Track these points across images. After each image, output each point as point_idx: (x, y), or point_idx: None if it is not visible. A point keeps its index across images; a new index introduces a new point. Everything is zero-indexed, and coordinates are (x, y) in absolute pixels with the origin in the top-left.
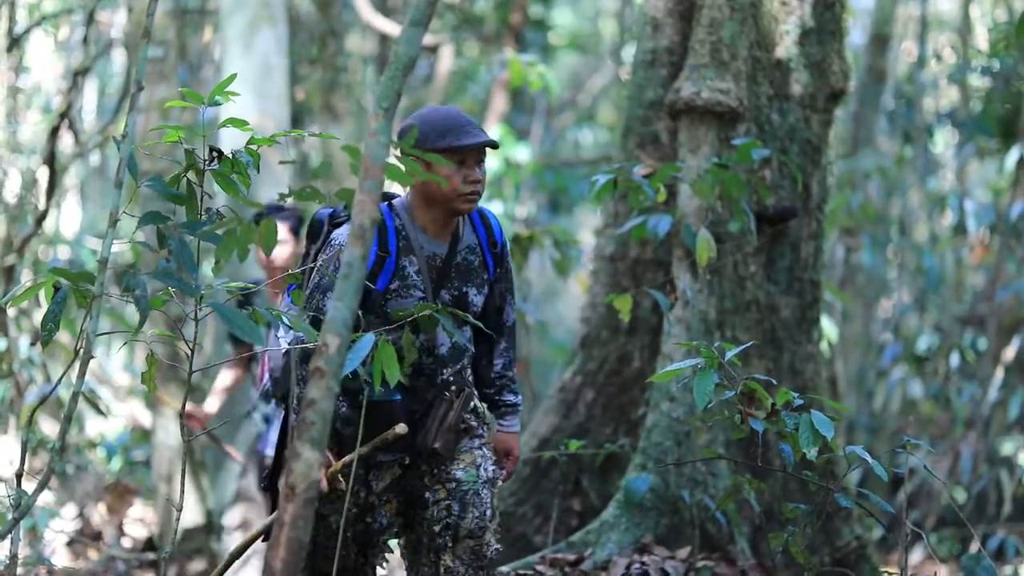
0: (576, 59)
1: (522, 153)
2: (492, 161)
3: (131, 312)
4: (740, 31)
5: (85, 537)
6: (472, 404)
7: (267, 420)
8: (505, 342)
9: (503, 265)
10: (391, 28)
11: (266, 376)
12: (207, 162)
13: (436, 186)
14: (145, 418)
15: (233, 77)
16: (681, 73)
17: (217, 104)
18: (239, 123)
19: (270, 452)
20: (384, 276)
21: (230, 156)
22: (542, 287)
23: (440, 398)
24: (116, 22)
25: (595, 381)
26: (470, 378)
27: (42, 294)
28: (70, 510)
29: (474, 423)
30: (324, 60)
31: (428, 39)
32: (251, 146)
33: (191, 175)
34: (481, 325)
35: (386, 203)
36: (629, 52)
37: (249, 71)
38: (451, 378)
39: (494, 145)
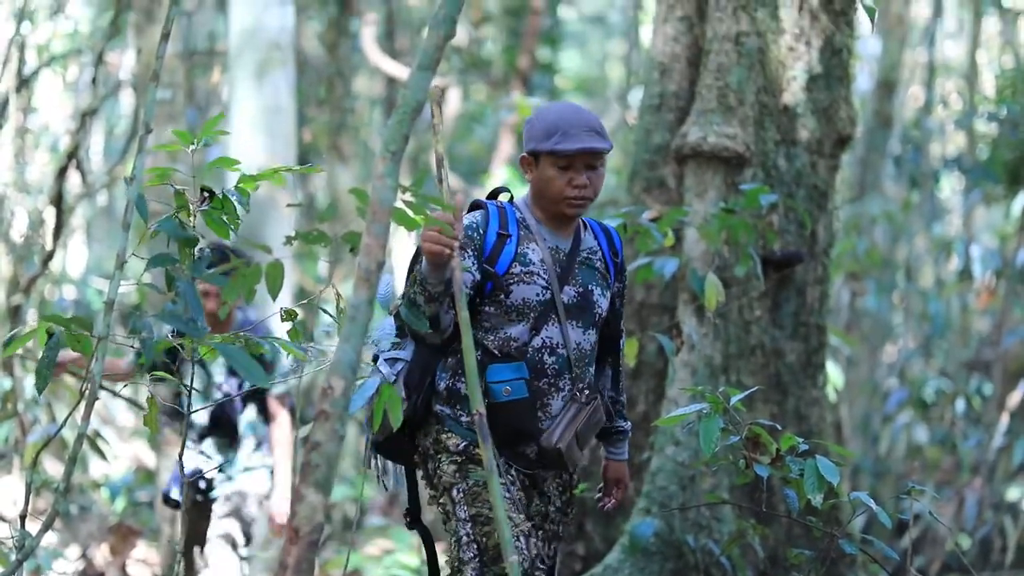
0: (583, 102)
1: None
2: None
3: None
4: (747, 76)
5: None
6: (601, 418)
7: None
8: (619, 366)
9: (622, 279)
10: (398, 71)
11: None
12: (199, 203)
13: (545, 184)
14: (149, 459)
15: (221, 116)
16: (688, 118)
17: (208, 145)
18: (229, 162)
19: (174, 495)
20: (504, 259)
21: (220, 195)
22: None
23: (572, 400)
24: (125, 63)
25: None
26: (604, 391)
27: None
28: (73, 551)
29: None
30: (332, 102)
31: (436, 82)
32: (242, 185)
33: (181, 216)
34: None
35: (507, 199)
36: (636, 96)
37: (257, 112)
38: (579, 384)
39: (599, 152)
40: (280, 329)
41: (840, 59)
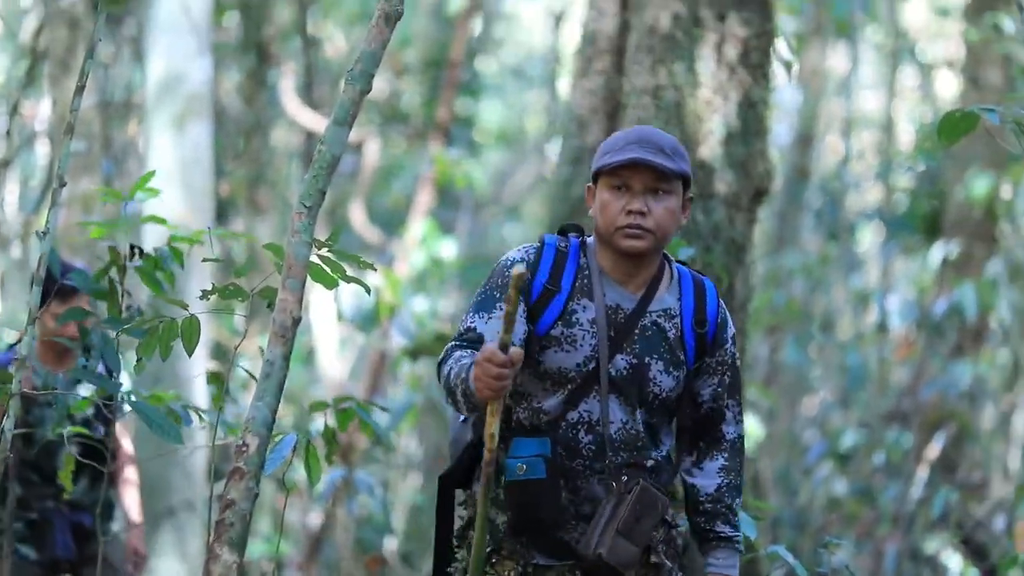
0: (503, 153)
1: (448, 248)
2: (418, 256)
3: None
4: (665, 130)
5: None
6: (664, 518)
7: None
8: (724, 459)
9: (714, 354)
10: (317, 123)
11: None
12: (129, 259)
13: (600, 211)
14: None
15: (152, 174)
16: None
17: (139, 200)
18: (160, 220)
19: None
20: (547, 317)
21: (152, 253)
22: None
23: (610, 491)
24: (40, 114)
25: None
26: (674, 488)
27: None
28: None
29: (666, 558)
30: (250, 154)
31: (354, 135)
32: (174, 244)
33: (113, 272)
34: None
35: (577, 236)
36: (555, 148)
37: (174, 165)
38: (623, 469)
39: (657, 169)
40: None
41: (757, 112)
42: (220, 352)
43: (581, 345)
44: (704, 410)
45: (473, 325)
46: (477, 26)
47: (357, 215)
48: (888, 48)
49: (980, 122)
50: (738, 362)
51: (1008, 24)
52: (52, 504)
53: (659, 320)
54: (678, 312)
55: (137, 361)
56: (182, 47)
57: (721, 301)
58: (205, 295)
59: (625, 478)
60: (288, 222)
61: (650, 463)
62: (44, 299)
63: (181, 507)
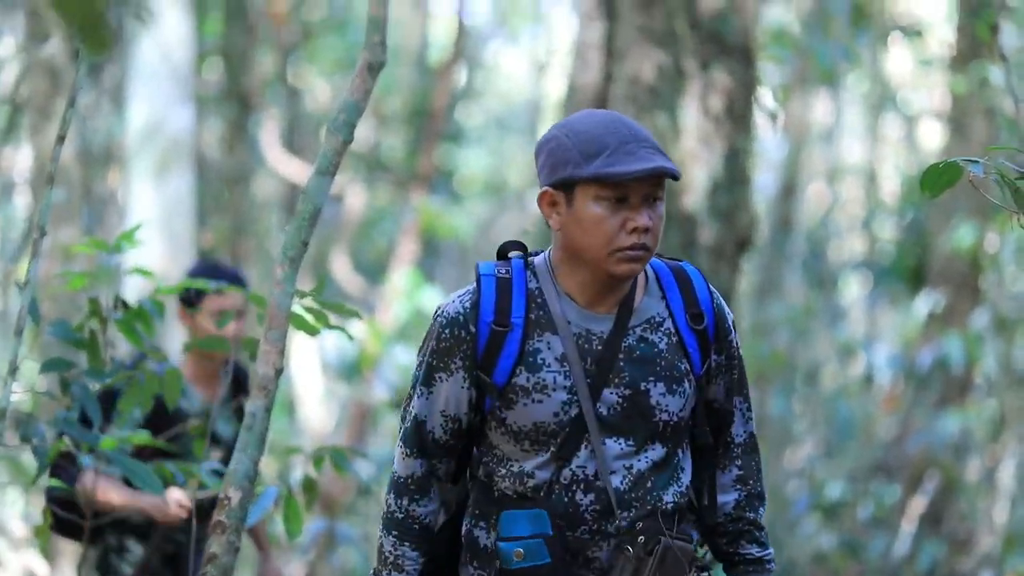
0: (486, 203)
1: (432, 298)
2: (401, 306)
3: (29, 460)
4: None
5: None
6: (680, 562)
7: None
8: (737, 467)
9: (720, 351)
10: (299, 172)
11: None
12: (112, 311)
13: (584, 232)
14: (41, 569)
15: (139, 225)
16: None
17: (120, 250)
18: (146, 273)
19: None
20: (503, 363)
21: (135, 306)
22: None
23: (619, 556)
24: (20, 163)
25: None
26: (689, 526)
27: None
28: None
29: None
30: (231, 204)
31: (336, 184)
32: (157, 296)
33: (94, 323)
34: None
35: (520, 256)
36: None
37: (156, 214)
38: (636, 526)
39: (672, 175)
40: None
41: (741, 162)
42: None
43: (554, 390)
44: (716, 413)
45: (414, 411)
46: (460, 76)
47: (340, 265)
48: (872, 98)
49: (963, 173)
50: (737, 349)
51: (995, 74)
52: (185, 538)
53: (645, 334)
54: (667, 315)
55: (120, 414)
56: (163, 95)
57: (711, 286)
58: (188, 347)
59: (642, 538)
60: (270, 272)
61: (670, 506)
62: (197, 298)
63: None
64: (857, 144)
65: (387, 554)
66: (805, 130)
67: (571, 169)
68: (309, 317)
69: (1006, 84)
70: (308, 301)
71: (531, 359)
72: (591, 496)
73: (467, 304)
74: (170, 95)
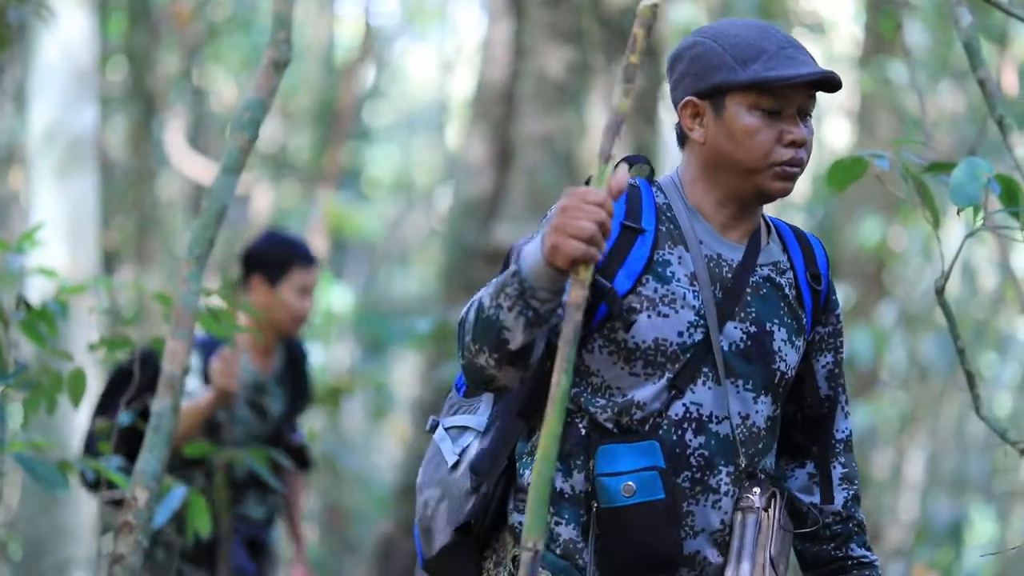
0: (395, 200)
1: (341, 298)
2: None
3: None
4: (557, 177)
5: None
6: (789, 528)
7: None
8: (841, 464)
9: (827, 323)
10: (204, 171)
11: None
12: (14, 311)
13: (736, 143)
14: None
15: (40, 225)
16: (497, 219)
17: (23, 252)
18: (49, 272)
19: None
20: (631, 268)
21: (38, 307)
22: (357, 436)
23: (743, 507)
24: None
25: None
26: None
27: None
28: None
29: None
30: (136, 204)
31: (243, 183)
32: (61, 296)
33: None
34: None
35: (645, 175)
36: (445, 197)
37: (59, 215)
38: (745, 483)
39: (836, 83)
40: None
41: (648, 158)
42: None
43: (683, 307)
44: (810, 395)
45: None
46: (367, 75)
47: None
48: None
49: (869, 168)
50: (841, 325)
51: (899, 70)
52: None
53: (772, 275)
54: (788, 265)
55: (24, 418)
56: (66, 95)
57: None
58: (93, 347)
59: (757, 490)
60: (176, 272)
61: (768, 471)
62: (282, 271)
63: (68, 562)
64: None
65: (477, 302)
66: None
67: (724, 75)
68: (216, 316)
69: (910, 80)
70: (215, 300)
71: (660, 269)
72: (701, 439)
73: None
74: (73, 95)
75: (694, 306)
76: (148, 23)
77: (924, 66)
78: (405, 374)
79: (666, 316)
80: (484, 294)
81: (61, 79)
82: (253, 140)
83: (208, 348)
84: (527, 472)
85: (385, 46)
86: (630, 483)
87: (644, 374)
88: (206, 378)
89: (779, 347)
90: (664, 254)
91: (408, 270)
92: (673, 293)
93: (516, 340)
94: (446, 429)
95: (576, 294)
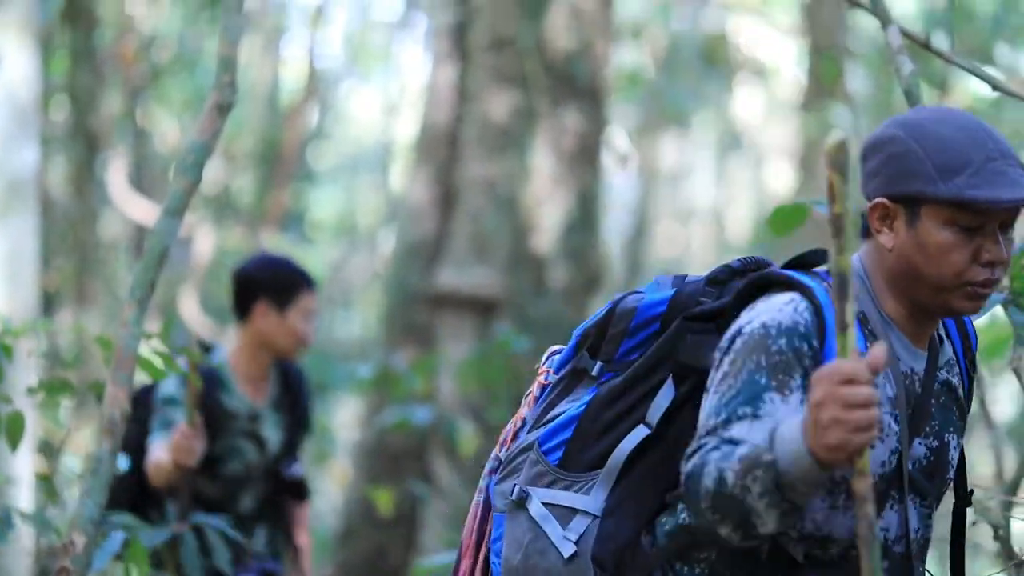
0: (339, 243)
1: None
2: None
3: None
4: (500, 222)
5: None
6: None
7: None
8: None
9: (970, 398)
10: (146, 213)
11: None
12: None
13: (927, 257)
14: None
15: None
16: (441, 262)
17: None
18: None
19: None
20: None
21: None
22: None
23: None
24: None
25: (354, 575)
26: None
27: None
28: None
29: None
30: (77, 245)
31: (186, 225)
32: (3, 338)
33: None
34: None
35: (826, 268)
36: (388, 240)
37: None
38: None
39: None
40: None
41: (591, 204)
42: (47, 448)
43: (887, 435)
44: (958, 486)
45: (730, 433)
46: (311, 117)
47: (189, 307)
48: (721, 140)
49: (810, 214)
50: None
51: (841, 115)
52: (231, 554)
53: (948, 377)
54: (954, 358)
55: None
56: (6, 134)
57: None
58: (32, 391)
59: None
60: (116, 314)
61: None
62: (290, 296)
63: None
64: (708, 185)
65: (719, 472)
66: (656, 171)
67: (921, 184)
68: (156, 360)
69: (853, 126)
70: (155, 343)
71: None
72: (885, 563)
73: (806, 314)
74: (14, 134)
75: (895, 432)
76: (92, 63)
77: (866, 111)
78: (346, 417)
79: (873, 447)
80: (726, 464)
81: (2, 118)
82: (196, 183)
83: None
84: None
85: (329, 88)
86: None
87: (844, 506)
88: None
89: (951, 456)
90: (875, 378)
91: (351, 313)
92: (880, 422)
93: (768, 527)
94: (546, 505)
95: (862, 485)
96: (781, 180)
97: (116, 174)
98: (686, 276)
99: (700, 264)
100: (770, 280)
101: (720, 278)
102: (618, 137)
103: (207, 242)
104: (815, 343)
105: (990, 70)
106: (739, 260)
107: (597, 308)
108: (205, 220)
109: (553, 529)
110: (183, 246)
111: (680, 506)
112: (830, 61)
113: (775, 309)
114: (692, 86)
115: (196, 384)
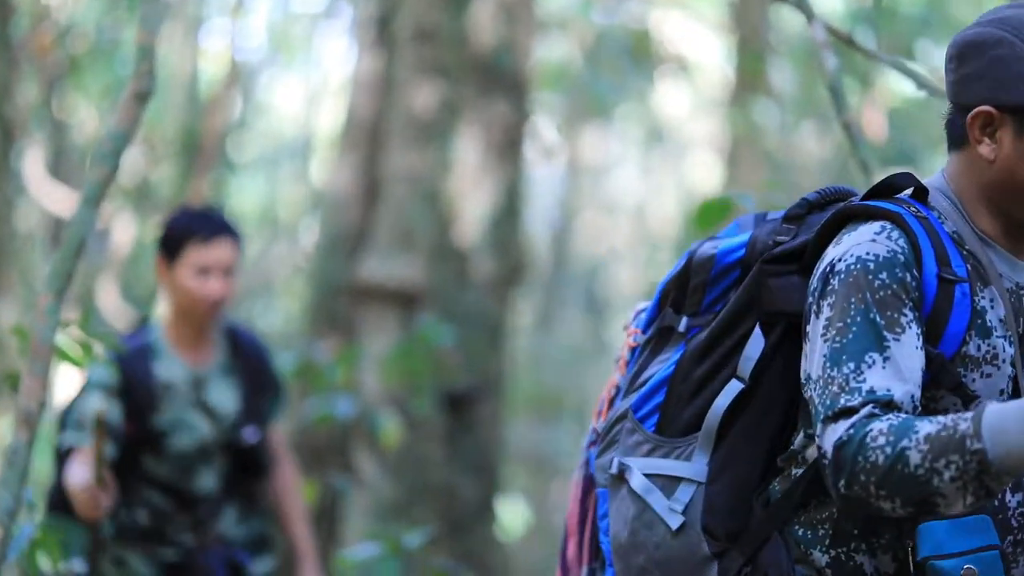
0: (261, 234)
1: None
2: None
3: None
4: (423, 213)
5: None
6: None
7: None
8: None
9: None
10: (63, 203)
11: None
12: None
13: None
14: None
15: None
16: (363, 254)
17: None
18: None
19: None
20: (955, 326)
21: None
22: None
23: None
24: None
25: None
26: None
27: None
28: None
29: None
30: None
31: (104, 214)
32: None
33: None
34: None
35: (909, 192)
36: (309, 231)
37: None
38: None
39: None
40: None
41: (515, 195)
42: None
43: (1003, 361)
44: None
45: (867, 383)
46: (232, 107)
47: (108, 297)
48: (644, 133)
49: (736, 208)
50: None
51: (765, 111)
52: (193, 538)
53: None
54: None
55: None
56: None
57: None
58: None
59: None
60: (33, 304)
61: None
62: (177, 249)
63: None
64: (633, 179)
65: (901, 449)
66: (580, 163)
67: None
68: (75, 348)
69: (778, 122)
70: (74, 331)
71: (979, 321)
72: (1018, 496)
73: (901, 244)
74: None
75: (1010, 355)
76: (7, 52)
77: (791, 107)
78: None
79: (990, 376)
80: (908, 442)
81: None
82: (114, 172)
83: (129, 360)
84: (815, 543)
85: (251, 78)
86: (971, 567)
87: None
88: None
89: None
90: (980, 301)
91: (272, 304)
92: (994, 347)
93: (952, 509)
94: (648, 476)
95: None
96: (706, 175)
97: (33, 163)
98: (766, 214)
99: (626, 259)
100: (855, 212)
101: (798, 213)
102: (545, 129)
103: (126, 232)
104: (916, 272)
105: (915, 68)
106: (816, 192)
107: (520, 300)
108: (123, 210)
109: (657, 500)
110: (101, 236)
111: (794, 469)
112: (755, 57)
113: (867, 240)
114: (617, 80)
115: (102, 441)
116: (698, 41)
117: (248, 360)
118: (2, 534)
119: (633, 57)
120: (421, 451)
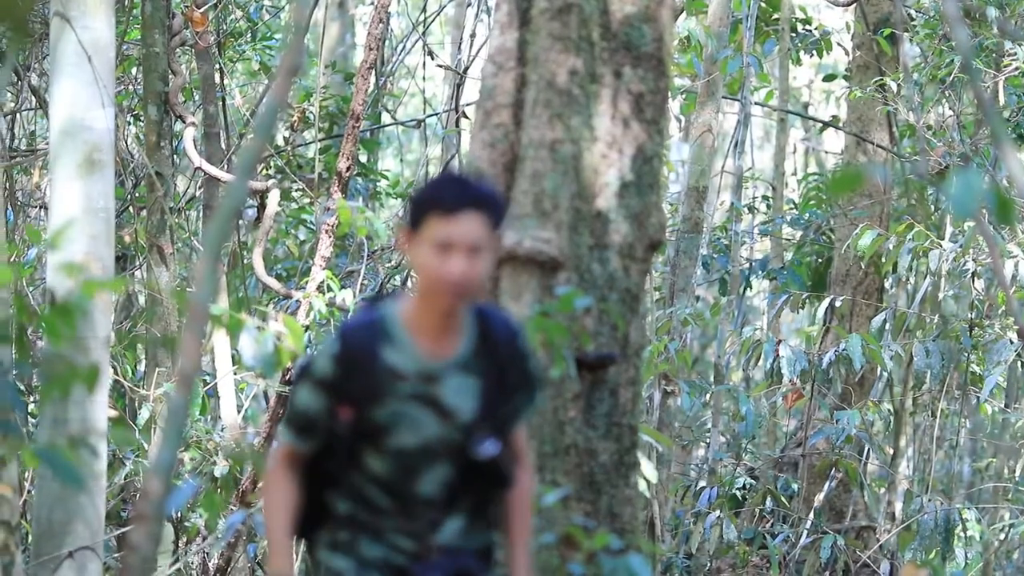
0: (400, 206)
1: (346, 297)
2: (318, 304)
3: None
4: (562, 182)
5: None
6: None
7: None
8: None
9: None
10: (220, 172)
11: None
12: (45, 306)
13: None
14: None
15: (70, 224)
16: (504, 223)
17: (44, 249)
18: (77, 269)
19: None
20: None
21: (60, 304)
22: None
23: None
24: None
25: None
26: None
27: None
28: None
29: None
30: (151, 202)
31: (256, 184)
32: (84, 292)
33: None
34: None
35: None
36: None
37: (78, 212)
38: None
39: None
40: None
41: (651, 166)
42: (120, 399)
43: None
44: None
45: None
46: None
47: (258, 263)
48: (777, 107)
49: (866, 179)
50: None
51: (894, 85)
52: (414, 546)
53: None
54: None
55: (40, 404)
56: (84, 97)
57: None
58: (109, 342)
59: None
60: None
61: None
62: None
63: (81, 551)
64: (761, 152)
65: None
66: (713, 136)
67: None
68: (228, 314)
69: (906, 95)
70: (226, 299)
71: None
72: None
73: None
74: (91, 97)
75: None
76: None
77: (916, 79)
78: None
79: None
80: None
81: (80, 81)
82: (266, 143)
83: (355, 340)
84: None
85: (395, 53)
86: None
87: None
88: (333, 387)
89: None
90: None
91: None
92: None
93: None
94: None
95: None
96: (836, 146)
97: (190, 134)
98: None
99: (756, 227)
100: None
101: None
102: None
103: (276, 201)
104: None
105: None
106: None
107: (656, 267)
108: (274, 179)
109: None
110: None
111: None
112: (884, 31)
113: None
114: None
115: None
116: (829, 16)
117: (497, 355)
118: (159, 488)
119: (768, 29)
120: (559, 413)
